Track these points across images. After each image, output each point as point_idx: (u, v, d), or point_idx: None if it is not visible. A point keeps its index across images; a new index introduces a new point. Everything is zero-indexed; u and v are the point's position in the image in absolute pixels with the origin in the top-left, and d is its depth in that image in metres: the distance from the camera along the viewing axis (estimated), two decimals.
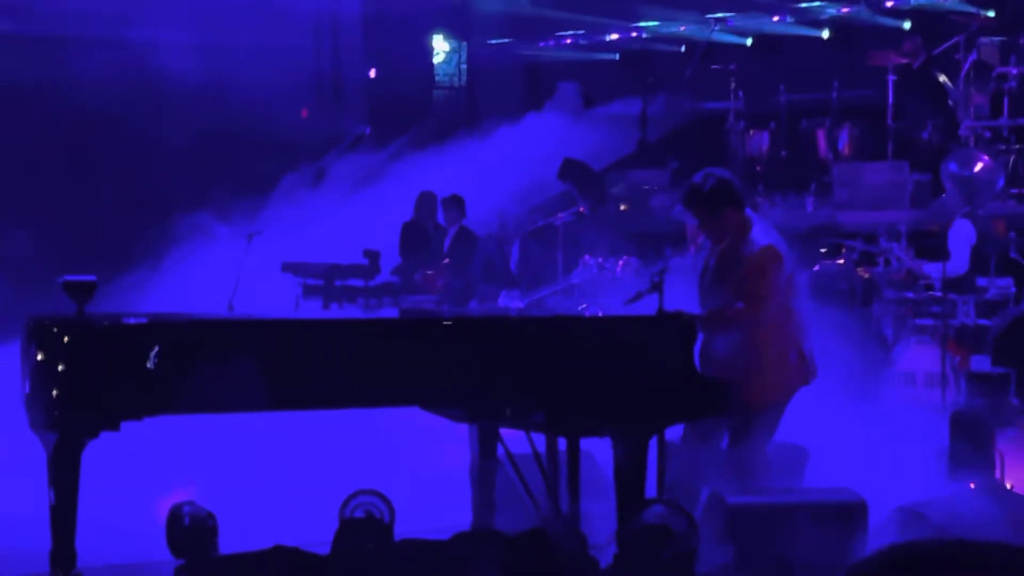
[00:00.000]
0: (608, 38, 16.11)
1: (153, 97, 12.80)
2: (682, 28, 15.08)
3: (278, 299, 10.21)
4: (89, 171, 13.34)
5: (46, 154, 13.28)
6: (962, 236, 9.46)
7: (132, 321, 5.67)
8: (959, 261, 9.32)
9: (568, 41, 16.43)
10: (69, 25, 12.57)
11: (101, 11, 12.28)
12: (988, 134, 11.57)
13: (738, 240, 6.35)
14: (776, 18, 14.72)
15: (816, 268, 10.19)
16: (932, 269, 9.23)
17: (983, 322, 8.94)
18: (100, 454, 5.59)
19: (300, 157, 13.60)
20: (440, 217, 12.50)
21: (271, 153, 13.33)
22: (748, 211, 6.51)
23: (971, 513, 5.84)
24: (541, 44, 16.51)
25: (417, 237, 12.38)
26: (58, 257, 8.95)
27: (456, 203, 12.18)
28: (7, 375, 5.85)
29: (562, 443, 6.17)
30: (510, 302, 9.62)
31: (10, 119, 13.10)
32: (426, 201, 12.47)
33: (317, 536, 6.07)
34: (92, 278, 5.69)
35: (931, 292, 9.30)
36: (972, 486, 6.28)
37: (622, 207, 13.05)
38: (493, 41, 16.36)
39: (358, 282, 10.79)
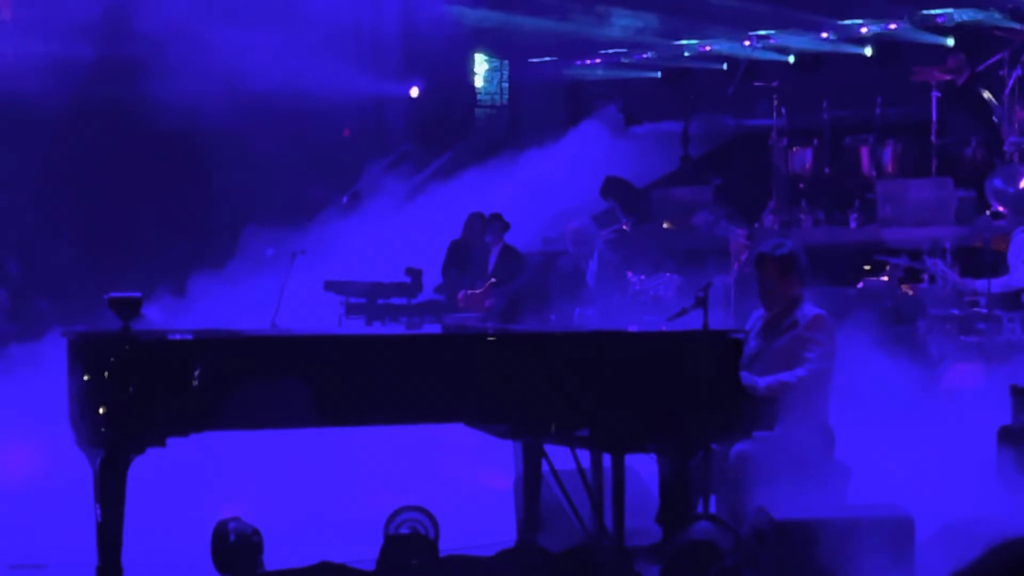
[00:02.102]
0: (649, 55, 16.14)
1: (200, 120, 12.93)
2: (730, 44, 15.08)
3: (321, 317, 10.29)
4: (138, 190, 13.52)
5: (100, 172, 13.47)
6: (1022, 248, 9.43)
7: (177, 337, 5.72)
8: (1017, 276, 9.29)
9: (609, 59, 16.48)
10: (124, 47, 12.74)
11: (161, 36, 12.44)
12: None
13: (789, 308, 6.61)
14: (823, 35, 14.72)
15: (860, 285, 10.15)
16: (982, 286, 9.21)
17: None
18: (147, 470, 5.63)
19: (343, 176, 13.72)
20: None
21: (314, 172, 13.45)
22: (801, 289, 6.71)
23: (1020, 529, 5.78)
24: (582, 62, 16.57)
25: (462, 256, 12.43)
26: (107, 272, 9.07)
27: (499, 222, 12.24)
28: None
29: (607, 459, 6.18)
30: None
31: (76, 138, 13.32)
32: (474, 222, 12.53)
33: (362, 552, 6.11)
34: (138, 295, 5.74)
35: (976, 308, 9.26)
36: None
37: (665, 224, 13.07)
38: (534, 60, 16.44)
39: (400, 300, 10.85)
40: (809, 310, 6.61)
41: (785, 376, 6.42)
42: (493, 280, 11.91)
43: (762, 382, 6.34)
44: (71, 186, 13.31)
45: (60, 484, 6.79)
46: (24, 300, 11.31)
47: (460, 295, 11.85)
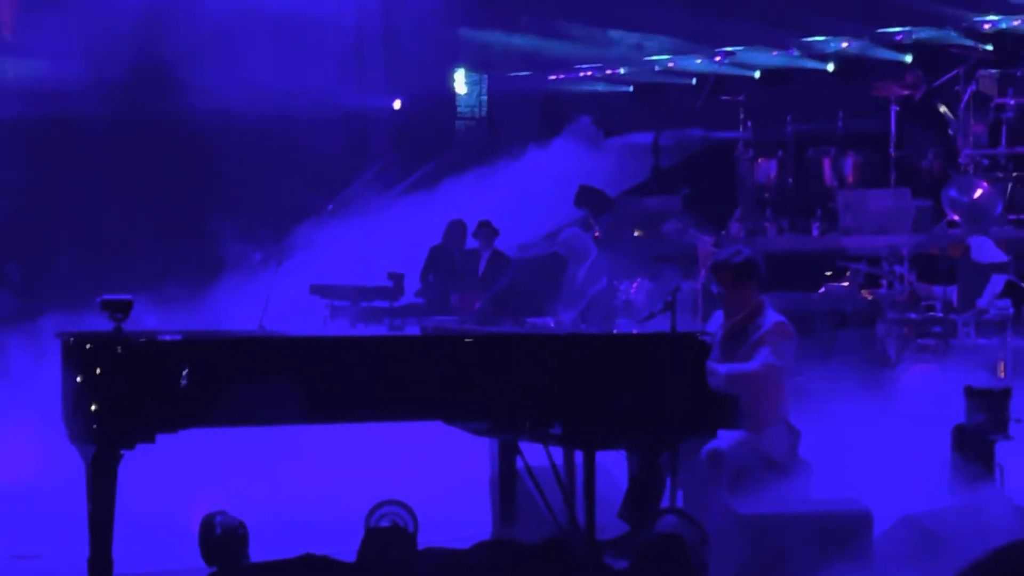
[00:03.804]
0: (621, 71, 16.41)
1: (191, 130, 13.11)
2: (698, 61, 15.34)
3: (306, 320, 10.42)
4: (128, 197, 13.66)
5: (92, 179, 13.61)
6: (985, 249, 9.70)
7: (167, 338, 5.85)
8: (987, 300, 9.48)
9: (584, 74, 16.73)
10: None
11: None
12: (987, 162, 11.77)
13: (751, 316, 6.72)
14: (788, 52, 14.99)
15: (822, 290, 10.40)
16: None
17: (983, 342, 9.16)
18: (137, 465, 5.78)
19: (329, 185, 13.90)
20: (468, 243, 12.76)
21: (301, 181, 13.63)
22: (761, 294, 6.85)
23: (973, 523, 6.01)
24: (558, 76, 16.80)
25: (442, 261, 12.63)
26: (99, 276, 9.22)
27: (488, 228, 12.47)
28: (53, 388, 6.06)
29: (579, 456, 6.34)
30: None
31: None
32: (454, 229, 12.75)
33: (344, 545, 6.23)
34: (130, 297, 5.89)
35: (932, 313, 9.53)
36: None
37: (636, 232, 13.29)
38: (513, 74, 16.68)
39: (383, 303, 11.03)
40: (771, 317, 6.73)
41: (741, 366, 6.60)
42: (506, 286, 12.02)
43: (723, 368, 6.53)
44: (66, 192, 13.43)
45: (54, 478, 6.90)
46: (25, 302, 11.44)
47: (453, 299, 12.03)
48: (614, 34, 15.34)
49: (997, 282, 9.58)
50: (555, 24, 15.40)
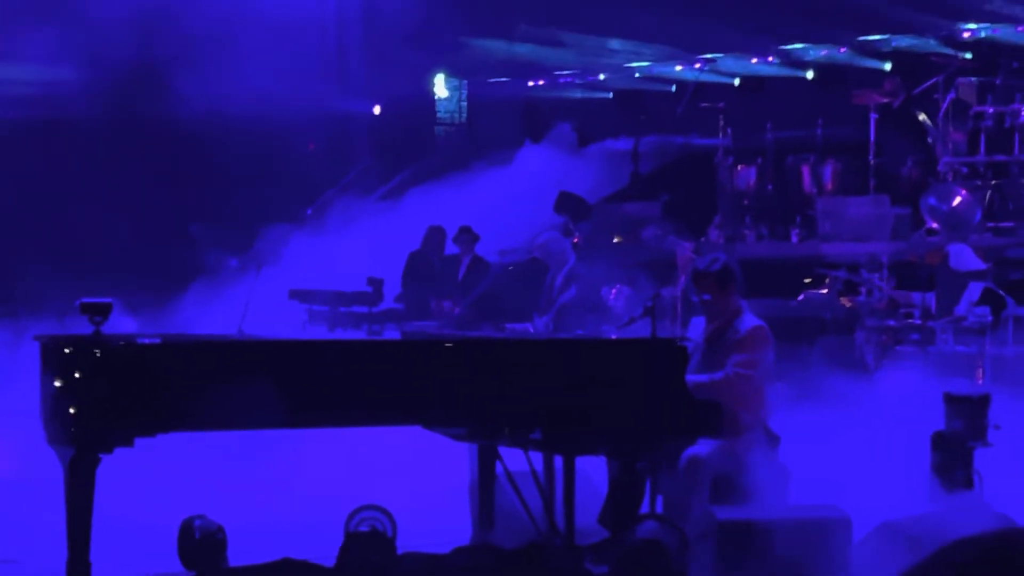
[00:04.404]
0: (601, 77, 16.47)
1: (172, 134, 13.10)
2: (678, 68, 15.41)
3: (285, 325, 10.42)
4: (106, 202, 13.66)
5: (70, 184, 13.60)
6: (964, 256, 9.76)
7: (146, 341, 5.85)
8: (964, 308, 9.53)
9: (564, 80, 16.78)
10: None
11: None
12: (965, 170, 11.84)
13: (730, 321, 6.79)
14: (767, 59, 15.07)
15: (801, 297, 10.44)
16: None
17: (961, 349, 9.21)
18: (116, 469, 5.77)
19: (308, 190, 13.92)
20: (447, 249, 12.77)
21: (280, 186, 13.64)
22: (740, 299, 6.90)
23: (952, 530, 6.04)
24: (538, 83, 16.85)
25: (421, 267, 12.63)
26: (76, 280, 9.20)
27: (468, 234, 12.48)
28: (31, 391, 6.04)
29: (559, 461, 6.34)
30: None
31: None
32: (434, 235, 12.76)
33: (323, 549, 6.25)
34: (109, 300, 5.89)
35: (911, 320, 9.58)
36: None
37: (616, 239, 13.33)
38: (493, 80, 16.72)
39: (362, 309, 11.02)
40: (748, 321, 6.79)
41: (704, 377, 6.63)
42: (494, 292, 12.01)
43: (688, 379, 6.53)
44: (43, 197, 13.40)
45: (31, 482, 6.88)
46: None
47: (433, 304, 12.04)
48: (595, 40, 15.39)
49: (975, 289, 9.64)
50: (539, 30, 15.43)
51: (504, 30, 15.38)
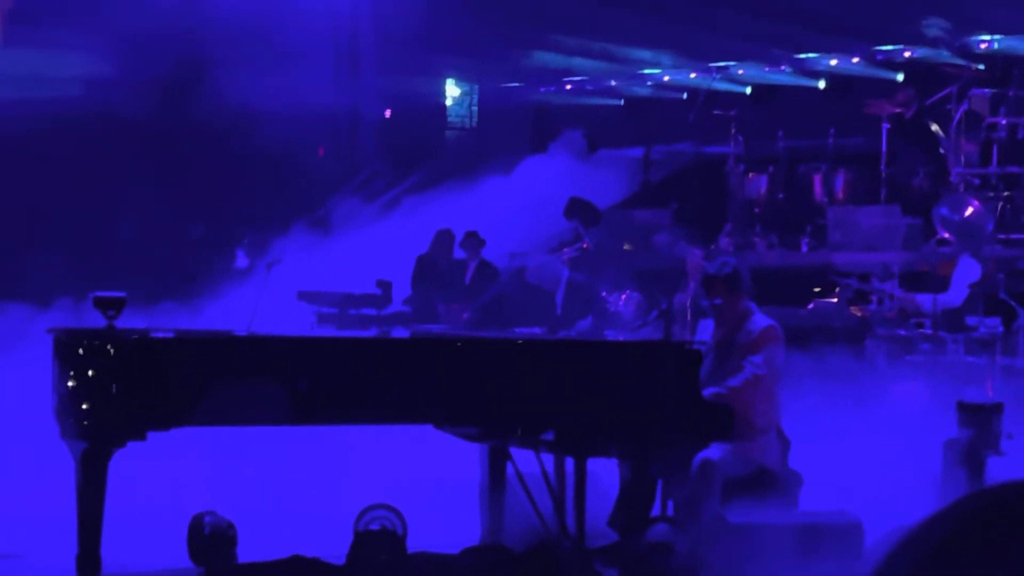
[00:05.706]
0: (612, 84, 16.48)
1: (180, 133, 13.12)
2: (692, 75, 15.42)
3: (294, 327, 10.41)
4: (117, 202, 13.69)
5: (82, 183, 13.63)
6: (966, 272, 9.73)
7: (159, 335, 5.85)
8: (956, 294, 9.59)
9: (574, 87, 16.79)
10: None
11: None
12: (977, 181, 11.82)
13: (741, 323, 6.82)
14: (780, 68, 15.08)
15: (811, 306, 10.43)
16: (925, 300, 9.51)
17: (972, 359, 9.20)
18: (127, 464, 5.78)
19: (318, 192, 13.95)
20: (456, 253, 12.76)
21: (291, 188, 13.67)
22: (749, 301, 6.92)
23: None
24: (549, 89, 16.86)
25: (429, 270, 12.63)
26: (88, 278, 9.24)
27: (475, 239, 12.49)
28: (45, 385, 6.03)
29: (570, 463, 6.35)
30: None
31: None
32: (442, 238, 12.76)
33: (333, 548, 6.26)
34: (122, 294, 5.89)
35: (922, 330, 9.57)
36: None
37: (626, 245, 13.32)
38: (504, 85, 16.74)
39: (371, 311, 11.02)
40: (760, 321, 6.82)
41: (717, 388, 6.62)
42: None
43: (705, 393, 6.57)
44: (55, 195, 13.44)
45: (43, 475, 6.88)
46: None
47: (440, 307, 12.04)
48: (618, 49, 15.41)
49: (966, 265, 9.62)
50: (547, 36, 15.45)
51: (513, 34, 15.39)
